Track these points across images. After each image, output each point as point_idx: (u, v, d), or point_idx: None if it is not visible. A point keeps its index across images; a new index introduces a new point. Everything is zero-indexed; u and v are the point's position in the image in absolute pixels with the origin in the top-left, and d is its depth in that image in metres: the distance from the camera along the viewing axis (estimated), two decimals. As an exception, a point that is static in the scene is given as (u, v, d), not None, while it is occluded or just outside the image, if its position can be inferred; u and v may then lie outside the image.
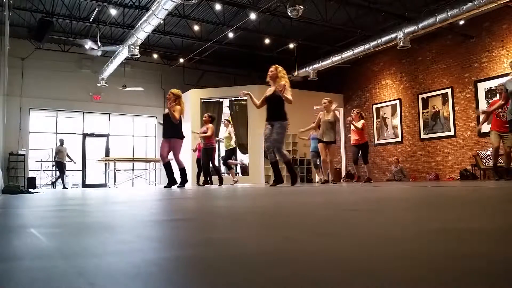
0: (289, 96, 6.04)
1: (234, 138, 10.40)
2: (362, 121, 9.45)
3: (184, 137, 7.37)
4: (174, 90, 7.42)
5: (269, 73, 6.28)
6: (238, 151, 16.57)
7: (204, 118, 9.87)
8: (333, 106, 8.75)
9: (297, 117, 10.77)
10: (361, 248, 0.73)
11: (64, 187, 12.55)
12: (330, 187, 5.81)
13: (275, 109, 6.18)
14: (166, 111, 7.29)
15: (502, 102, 6.47)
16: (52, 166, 13.89)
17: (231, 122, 10.82)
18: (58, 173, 13.15)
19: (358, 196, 2.80)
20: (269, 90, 6.30)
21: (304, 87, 14.86)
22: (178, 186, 7.49)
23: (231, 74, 16.58)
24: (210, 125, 9.63)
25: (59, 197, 4.07)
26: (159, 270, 0.57)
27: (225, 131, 10.44)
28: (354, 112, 9.69)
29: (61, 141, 13.29)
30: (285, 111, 6.23)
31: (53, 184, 13.34)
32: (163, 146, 7.31)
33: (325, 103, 8.56)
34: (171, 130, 7.18)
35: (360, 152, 9.42)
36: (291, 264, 0.59)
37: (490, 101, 10.33)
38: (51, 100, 14.00)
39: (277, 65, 6.33)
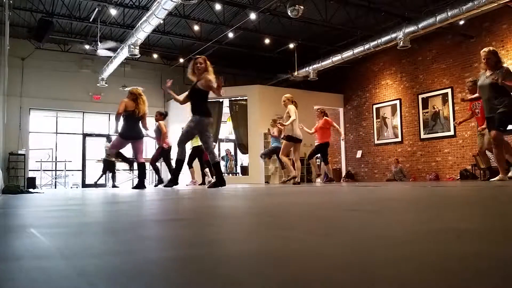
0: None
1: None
2: (324, 118, 9.20)
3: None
4: (133, 89, 7.21)
5: (198, 66, 5.78)
6: (238, 151, 16.61)
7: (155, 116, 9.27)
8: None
9: (298, 117, 10.76)
10: (361, 248, 0.73)
11: (114, 186, 12.07)
12: (328, 187, 5.80)
13: (195, 103, 5.79)
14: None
15: (473, 97, 6.49)
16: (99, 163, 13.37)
17: None
18: (103, 171, 12.51)
19: (358, 196, 2.80)
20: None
21: (304, 87, 14.87)
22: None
23: (231, 74, 16.57)
24: (162, 122, 9.08)
25: (59, 197, 4.07)
26: (159, 270, 0.57)
27: None
28: (318, 111, 9.51)
29: (110, 139, 12.98)
30: (206, 107, 5.80)
31: (95, 183, 12.85)
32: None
33: (284, 101, 8.21)
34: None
35: (319, 153, 9.23)
36: (291, 264, 0.59)
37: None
38: (51, 100, 13.99)
39: (205, 57, 5.89)
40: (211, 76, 5.70)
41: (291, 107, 7.95)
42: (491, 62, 5.64)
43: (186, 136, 5.86)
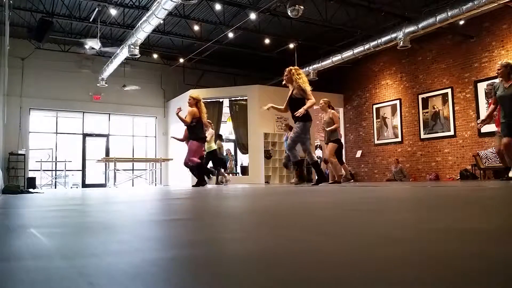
0: (310, 100, 6.14)
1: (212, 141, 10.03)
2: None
3: (200, 138, 7.69)
4: (193, 94, 7.77)
5: (284, 77, 6.43)
6: (238, 151, 16.63)
7: None
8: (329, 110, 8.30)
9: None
10: (361, 248, 0.73)
11: (218, 183, 12.22)
12: (328, 187, 5.81)
13: (293, 110, 6.32)
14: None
15: (493, 106, 6.44)
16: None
17: (212, 124, 10.59)
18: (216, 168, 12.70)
19: (358, 196, 2.80)
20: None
21: (304, 87, 14.82)
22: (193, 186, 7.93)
23: (231, 74, 16.57)
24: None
25: (59, 197, 4.07)
26: (159, 270, 0.57)
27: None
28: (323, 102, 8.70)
29: (220, 137, 12.90)
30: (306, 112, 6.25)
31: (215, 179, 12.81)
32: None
33: (320, 104, 8.42)
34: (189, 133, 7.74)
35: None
36: (292, 264, 0.59)
37: (489, 100, 10.28)
38: (51, 100, 13.99)
39: (290, 67, 6.43)
40: (302, 83, 6.22)
41: (335, 113, 8.30)
42: (503, 73, 5.98)
43: (295, 141, 6.37)
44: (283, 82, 6.51)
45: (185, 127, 7.90)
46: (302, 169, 6.73)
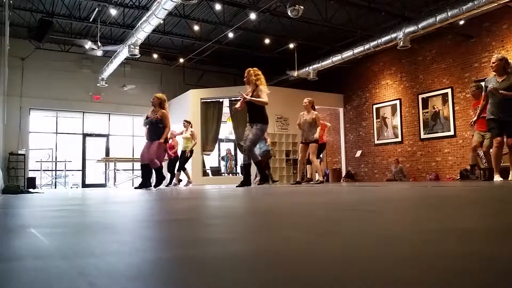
0: (262, 99, 6.26)
1: (194, 141, 10.21)
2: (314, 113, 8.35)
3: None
4: (158, 94, 7.56)
5: (244, 78, 6.53)
6: (238, 151, 16.62)
7: None
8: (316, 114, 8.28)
9: (297, 117, 10.74)
10: (361, 248, 0.73)
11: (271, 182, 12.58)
12: (328, 187, 5.80)
13: (252, 112, 6.38)
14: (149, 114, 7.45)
15: (484, 102, 6.37)
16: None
17: (191, 123, 10.66)
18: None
19: (358, 196, 2.80)
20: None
21: (304, 87, 14.85)
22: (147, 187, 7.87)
23: (231, 74, 16.57)
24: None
25: (59, 197, 4.07)
26: (159, 270, 0.57)
27: (184, 131, 10.30)
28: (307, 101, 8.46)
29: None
30: (263, 114, 6.44)
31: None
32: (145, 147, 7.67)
33: (305, 103, 8.39)
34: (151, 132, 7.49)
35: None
36: (291, 264, 0.59)
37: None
38: (51, 100, 13.99)
39: (249, 69, 6.50)
40: (260, 84, 6.38)
41: (318, 115, 8.29)
42: (498, 67, 5.90)
43: (254, 143, 6.45)
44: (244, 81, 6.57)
45: (145, 126, 7.69)
46: (267, 167, 6.75)
